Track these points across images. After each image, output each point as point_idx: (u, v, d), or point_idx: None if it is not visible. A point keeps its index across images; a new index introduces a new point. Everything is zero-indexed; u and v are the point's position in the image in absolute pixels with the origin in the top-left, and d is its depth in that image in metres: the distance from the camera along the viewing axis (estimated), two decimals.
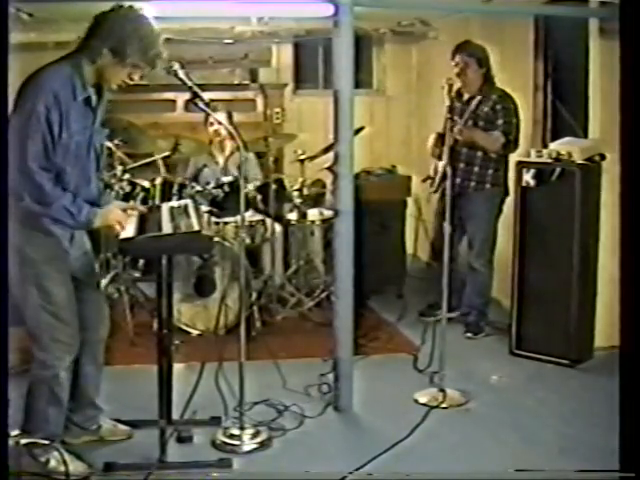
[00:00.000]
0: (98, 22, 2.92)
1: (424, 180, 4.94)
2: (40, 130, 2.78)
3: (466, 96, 4.71)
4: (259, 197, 5.23)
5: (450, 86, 3.97)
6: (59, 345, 2.99)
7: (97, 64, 2.92)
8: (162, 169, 5.04)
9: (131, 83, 3.04)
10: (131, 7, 2.93)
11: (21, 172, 2.77)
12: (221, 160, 5.52)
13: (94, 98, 2.99)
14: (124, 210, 3.14)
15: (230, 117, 5.41)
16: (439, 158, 4.66)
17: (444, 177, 4.58)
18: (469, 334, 4.83)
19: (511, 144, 4.64)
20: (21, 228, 2.88)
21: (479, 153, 4.67)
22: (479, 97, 4.62)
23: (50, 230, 2.93)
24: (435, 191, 4.80)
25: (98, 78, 2.97)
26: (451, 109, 4.35)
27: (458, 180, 4.66)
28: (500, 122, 4.59)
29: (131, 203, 4.63)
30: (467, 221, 4.77)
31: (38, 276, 2.93)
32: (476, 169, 4.70)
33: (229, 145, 5.44)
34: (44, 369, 3.00)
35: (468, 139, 4.58)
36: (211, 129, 5.37)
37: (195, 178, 5.36)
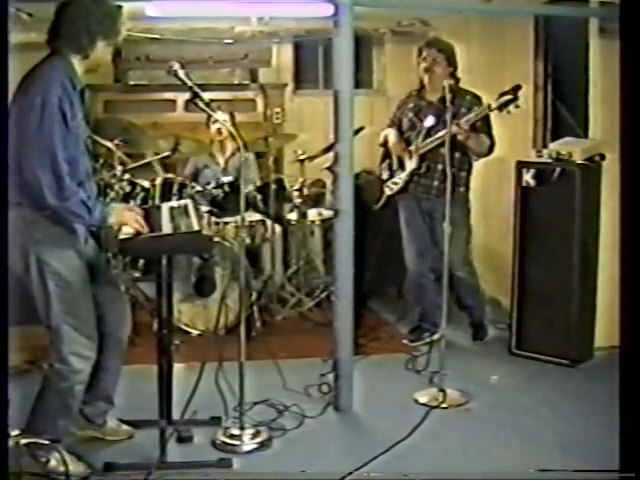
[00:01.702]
0: (77, 15, 2.91)
1: (383, 181, 4.71)
2: (56, 121, 2.80)
3: (434, 95, 4.45)
4: (259, 197, 5.23)
5: (450, 86, 3.95)
6: (77, 359, 3.00)
7: (90, 57, 2.96)
8: (161, 169, 5.04)
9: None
10: None
11: (40, 165, 2.78)
12: (222, 161, 5.52)
13: (85, 90, 3.02)
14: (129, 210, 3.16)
15: (233, 118, 5.41)
16: (406, 157, 4.53)
17: (411, 178, 4.55)
18: (477, 341, 4.76)
19: (493, 146, 4.45)
20: (45, 237, 2.89)
21: (456, 155, 4.37)
22: (458, 99, 4.27)
23: (73, 236, 2.96)
24: (398, 193, 4.64)
25: (87, 68, 3.00)
26: (398, 107, 4.28)
27: (436, 182, 4.49)
28: (480, 124, 4.32)
29: (131, 204, 4.64)
30: (444, 229, 4.31)
31: (62, 288, 2.94)
32: (453, 171, 4.28)
33: (230, 145, 5.45)
34: (60, 380, 3.00)
35: (463, 142, 4.28)
36: (214, 127, 5.36)
37: (195, 178, 5.36)
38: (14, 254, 2.85)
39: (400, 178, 4.63)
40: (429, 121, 4.45)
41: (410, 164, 4.55)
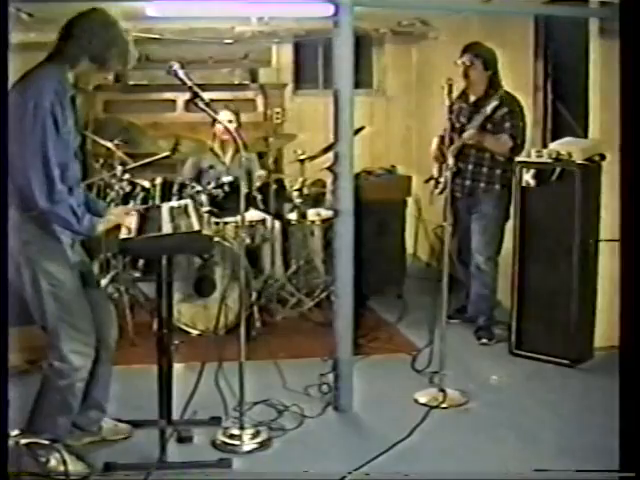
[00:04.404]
0: (75, 27, 2.94)
1: (427, 181, 4.87)
2: (48, 124, 2.80)
3: (472, 98, 4.69)
4: (259, 197, 5.23)
5: (450, 86, 3.95)
6: (77, 356, 3.00)
7: (75, 69, 2.96)
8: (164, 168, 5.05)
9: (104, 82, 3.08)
10: (104, 11, 2.97)
11: (32, 167, 2.79)
12: (226, 160, 5.49)
13: (77, 98, 3.03)
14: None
15: (238, 117, 5.40)
16: (443, 160, 4.56)
17: (452, 178, 4.58)
18: (484, 340, 4.74)
19: (518, 147, 4.59)
20: (33, 239, 2.90)
21: (487, 154, 4.64)
22: (487, 100, 4.52)
23: (59, 238, 2.96)
24: (441, 193, 4.68)
25: (75, 80, 3.00)
26: (451, 110, 4.33)
27: (468, 182, 4.70)
28: (507, 125, 4.53)
29: (131, 204, 4.64)
30: (474, 221, 4.74)
31: (55, 287, 2.94)
32: (485, 170, 4.67)
33: (232, 145, 5.42)
34: (61, 378, 3.00)
35: (478, 143, 4.57)
36: (219, 126, 5.33)
37: (199, 179, 5.36)
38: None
39: (441, 180, 4.67)
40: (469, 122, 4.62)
41: (448, 165, 4.50)
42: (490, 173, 4.66)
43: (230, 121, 5.11)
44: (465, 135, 4.49)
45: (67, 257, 3.01)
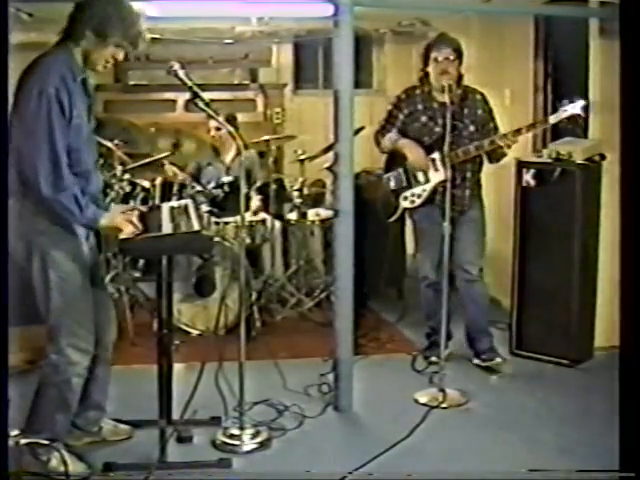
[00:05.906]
0: (80, 7, 2.93)
1: (397, 196, 4.30)
2: (54, 111, 2.79)
3: (443, 96, 3.93)
4: (259, 197, 5.23)
5: (450, 86, 3.92)
6: (75, 351, 3.00)
7: (82, 47, 2.93)
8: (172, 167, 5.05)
9: (112, 63, 3.05)
10: None
11: (38, 154, 2.78)
12: (227, 159, 5.48)
13: (89, 81, 3.02)
14: (123, 212, 3.13)
15: (234, 120, 5.37)
16: (430, 167, 4.10)
17: (436, 189, 4.09)
18: (489, 363, 4.28)
19: None
20: (48, 229, 2.89)
21: (478, 159, 4.15)
22: (469, 99, 4.15)
23: (75, 230, 2.96)
24: (421, 205, 4.20)
25: (84, 62, 2.98)
26: (427, 111, 4.07)
27: (467, 191, 4.18)
28: (492, 124, 4.18)
29: (131, 204, 4.64)
30: (464, 232, 4.20)
31: (63, 279, 2.94)
32: (478, 177, 4.24)
33: (234, 145, 5.40)
34: (56, 373, 3.00)
35: (504, 150, 4.00)
36: (209, 134, 5.33)
37: (198, 175, 5.35)
38: (18, 244, 2.87)
39: (424, 190, 4.16)
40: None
41: (438, 175, 4.06)
42: (480, 179, 4.25)
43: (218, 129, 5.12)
44: (501, 141, 3.93)
45: (80, 251, 3.01)
